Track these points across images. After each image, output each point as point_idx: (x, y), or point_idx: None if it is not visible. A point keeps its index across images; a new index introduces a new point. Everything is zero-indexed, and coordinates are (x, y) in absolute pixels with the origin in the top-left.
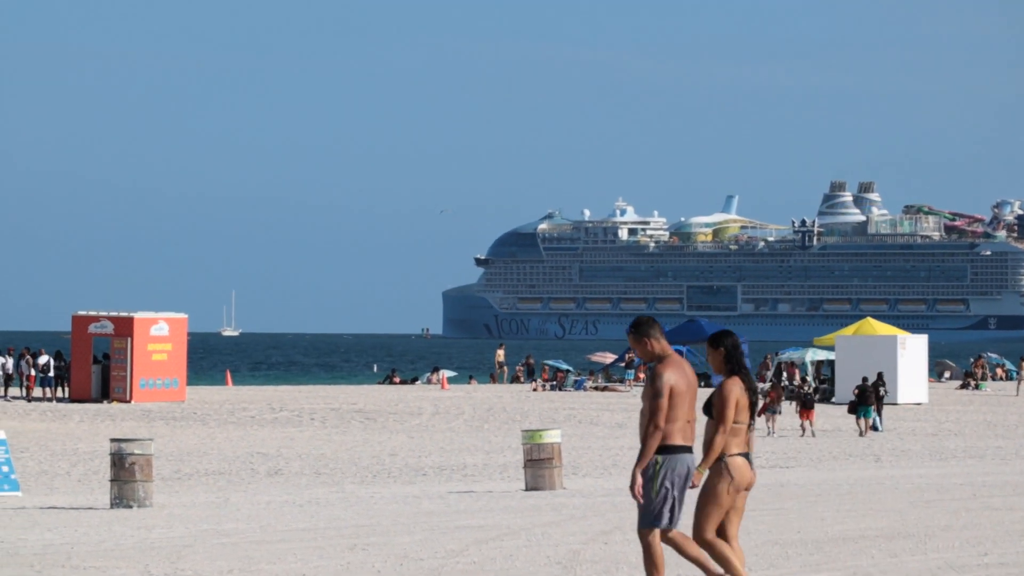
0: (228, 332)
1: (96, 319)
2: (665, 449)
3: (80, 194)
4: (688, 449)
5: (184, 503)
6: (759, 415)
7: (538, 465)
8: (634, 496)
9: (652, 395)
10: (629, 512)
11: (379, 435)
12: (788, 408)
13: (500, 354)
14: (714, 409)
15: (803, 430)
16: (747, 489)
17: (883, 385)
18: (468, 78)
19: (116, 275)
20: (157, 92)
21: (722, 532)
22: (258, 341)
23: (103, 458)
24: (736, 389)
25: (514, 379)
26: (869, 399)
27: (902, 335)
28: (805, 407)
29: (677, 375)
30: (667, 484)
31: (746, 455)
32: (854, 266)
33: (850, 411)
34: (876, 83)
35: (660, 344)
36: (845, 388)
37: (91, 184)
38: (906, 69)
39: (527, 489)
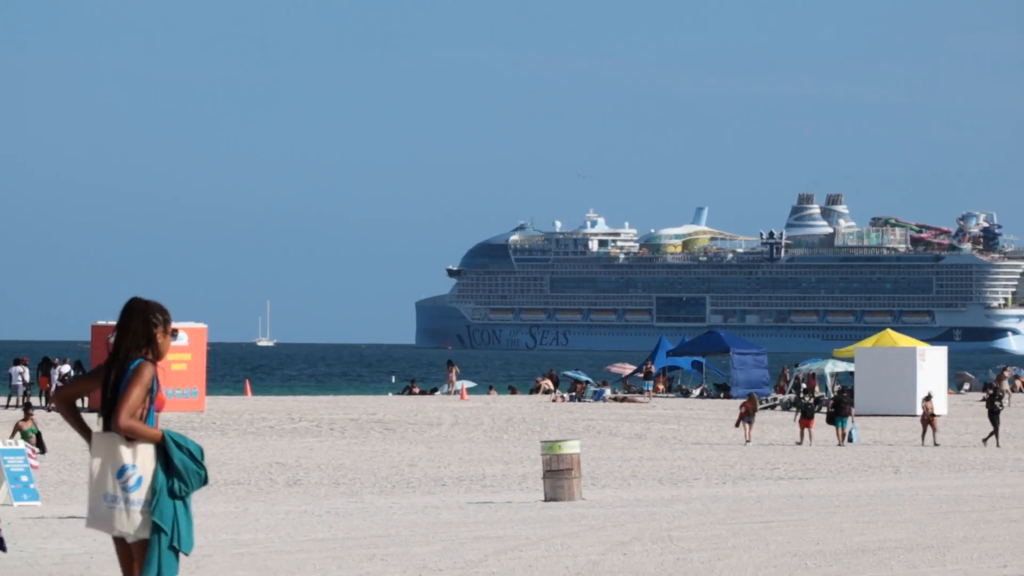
0: (263, 342)
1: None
2: None
3: (115, 206)
4: None
5: (203, 513)
6: (736, 425)
7: (557, 476)
8: None
9: None
10: (649, 523)
11: (398, 445)
12: (771, 417)
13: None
14: None
15: (802, 439)
16: None
17: (999, 399)
18: (440, 90)
19: (153, 286)
20: (191, 105)
21: None
22: (286, 351)
23: None
24: None
25: (533, 390)
26: (845, 409)
27: (921, 347)
28: (805, 416)
29: None
30: None
31: None
32: (821, 278)
33: (828, 421)
34: (844, 96)
35: None
36: (865, 400)
37: (127, 195)
38: (874, 82)
39: (546, 500)
